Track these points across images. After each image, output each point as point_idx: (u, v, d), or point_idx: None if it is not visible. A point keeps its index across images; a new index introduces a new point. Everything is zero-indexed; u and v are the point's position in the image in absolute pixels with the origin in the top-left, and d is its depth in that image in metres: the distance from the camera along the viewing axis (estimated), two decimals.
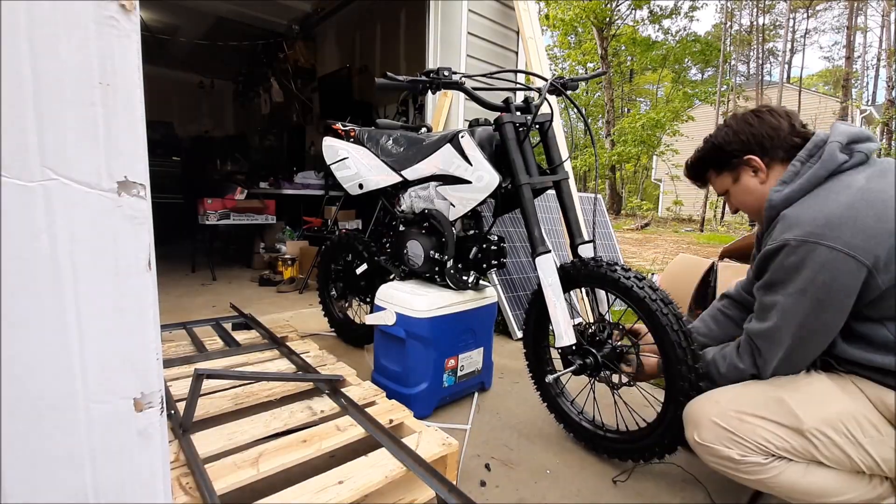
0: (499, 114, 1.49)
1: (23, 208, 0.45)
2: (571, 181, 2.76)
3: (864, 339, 0.92)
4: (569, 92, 1.54)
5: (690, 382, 1.13)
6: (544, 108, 1.52)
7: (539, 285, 1.48)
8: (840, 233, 0.84)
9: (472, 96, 1.48)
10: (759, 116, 1.05)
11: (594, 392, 1.47)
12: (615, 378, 1.34)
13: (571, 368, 1.36)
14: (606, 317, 1.43)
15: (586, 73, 18.84)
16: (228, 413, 1.29)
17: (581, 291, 1.52)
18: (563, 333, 1.35)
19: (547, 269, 1.37)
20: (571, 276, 1.40)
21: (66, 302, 0.49)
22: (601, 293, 1.45)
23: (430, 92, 1.45)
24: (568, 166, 2.77)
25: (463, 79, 1.47)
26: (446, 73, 1.44)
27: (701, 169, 1.18)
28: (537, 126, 1.53)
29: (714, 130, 1.14)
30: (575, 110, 1.59)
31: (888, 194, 0.86)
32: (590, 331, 1.39)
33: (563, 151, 1.61)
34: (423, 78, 1.42)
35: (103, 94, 0.48)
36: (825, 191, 0.92)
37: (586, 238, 1.49)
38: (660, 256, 6.55)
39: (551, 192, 1.61)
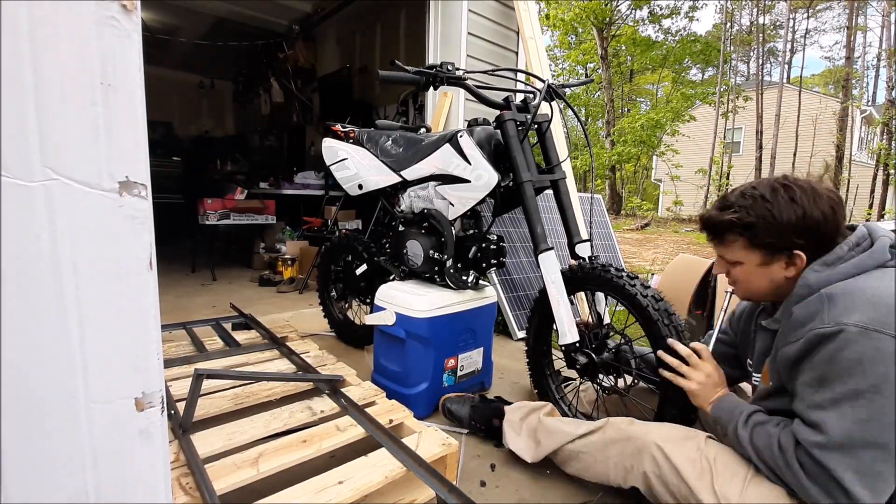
0: (499, 112, 1.49)
1: (23, 208, 0.45)
2: (571, 181, 2.77)
3: None
4: (566, 93, 1.54)
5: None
6: (543, 109, 1.53)
7: (539, 293, 1.49)
8: None
9: (473, 93, 1.48)
10: (834, 208, 0.89)
11: (599, 395, 1.47)
12: (619, 382, 1.35)
13: (577, 367, 1.36)
14: (605, 319, 1.44)
15: (586, 73, 18.83)
16: (228, 413, 1.29)
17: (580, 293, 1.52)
18: (567, 331, 1.35)
19: (550, 267, 1.37)
20: (572, 280, 1.40)
21: (67, 302, 0.49)
22: (599, 295, 1.46)
23: (432, 88, 1.45)
24: (568, 166, 2.77)
25: (466, 74, 1.48)
26: (450, 68, 1.44)
27: (730, 231, 0.97)
28: (536, 126, 1.53)
29: (772, 192, 0.92)
30: (572, 113, 1.59)
31: None
32: (592, 333, 1.39)
33: (562, 152, 1.61)
34: (428, 70, 1.42)
35: (104, 94, 0.48)
36: (874, 279, 0.83)
37: (583, 237, 1.49)
38: (660, 256, 6.56)
39: (549, 192, 1.61)
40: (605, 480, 1.10)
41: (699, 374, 1.07)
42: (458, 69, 1.47)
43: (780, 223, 0.89)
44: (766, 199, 0.91)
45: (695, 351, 1.10)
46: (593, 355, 1.35)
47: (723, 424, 1.00)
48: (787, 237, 0.90)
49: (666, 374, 1.12)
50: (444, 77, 1.43)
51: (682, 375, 1.09)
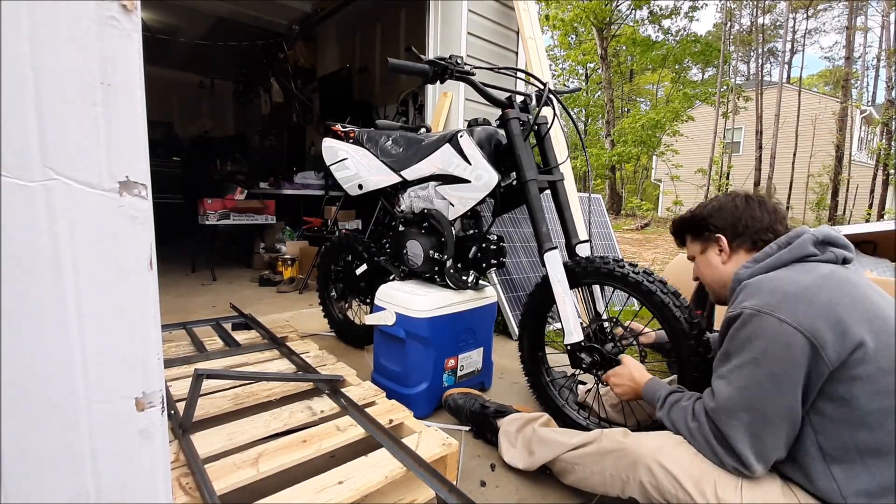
0: (502, 111, 1.49)
1: (24, 208, 0.45)
2: (571, 181, 2.76)
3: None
4: (562, 97, 1.55)
5: (698, 354, 1.19)
6: (543, 111, 1.53)
7: (540, 282, 1.49)
8: (794, 307, 0.85)
9: (479, 89, 1.48)
10: (748, 203, 1.10)
11: (598, 389, 1.47)
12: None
13: (582, 366, 1.37)
14: (603, 314, 1.44)
15: (586, 73, 18.78)
16: (228, 413, 1.29)
17: (578, 290, 1.52)
18: (573, 330, 1.35)
19: (555, 266, 1.37)
20: (572, 275, 1.40)
21: (68, 302, 0.49)
22: (598, 291, 1.47)
23: (439, 81, 1.44)
24: (567, 167, 2.77)
25: (474, 69, 1.47)
26: (458, 61, 1.44)
27: (681, 229, 1.23)
28: (536, 128, 1.54)
29: (712, 199, 1.19)
30: (567, 116, 1.59)
31: (847, 282, 0.89)
32: (596, 327, 1.40)
33: (560, 154, 1.61)
34: (441, 61, 1.41)
35: (104, 94, 0.48)
36: (788, 270, 0.95)
37: (581, 238, 1.49)
38: (659, 256, 6.56)
39: (547, 193, 1.61)
40: (603, 492, 1.10)
41: (616, 379, 1.26)
42: (465, 64, 1.46)
43: (702, 214, 1.15)
44: (703, 205, 1.18)
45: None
46: (600, 349, 1.35)
47: (651, 400, 1.16)
48: (707, 223, 1.13)
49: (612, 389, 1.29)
50: (454, 70, 1.43)
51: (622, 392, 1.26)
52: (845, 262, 0.96)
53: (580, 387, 1.54)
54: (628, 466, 1.03)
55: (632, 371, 1.23)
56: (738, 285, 1.01)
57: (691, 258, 1.21)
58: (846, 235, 1.00)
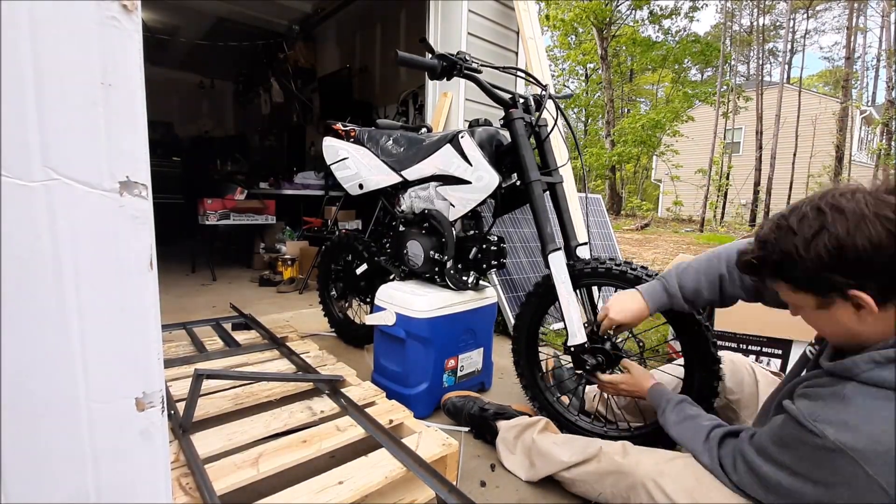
0: (505, 110, 1.48)
1: (24, 208, 0.45)
2: (572, 182, 2.76)
3: None
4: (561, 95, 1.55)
5: (712, 345, 1.19)
6: (544, 114, 1.53)
7: (539, 281, 1.49)
8: (889, 465, 0.66)
9: (484, 88, 1.48)
10: (887, 225, 0.66)
11: (603, 392, 1.47)
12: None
13: (585, 368, 1.36)
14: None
15: (586, 73, 18.75)
16: (228, 413, 1.29)
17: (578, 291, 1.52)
18: (577, 331, 1.35)
19: (559, 267, 1.37)
20: (579, 273, 1.41)
21: (68, 302, 0.49)
22: (596, 292, 1.47)
23: (446, 77, 1.44)
24: (567, 169, 2.77)
25: (481, 66, 1.47)
26: (466, 57, 1.43)
27: (763, 274, 0.82)
28: (537, 129, 1.54)
29: (800, 220, 0.73)
30: (564, 122, 1.58)
31: None
32: (589, 330, 1.40)
33: (559, 156, 1.61)
34: (451, 56, 1.40)
35: (105, 94, 0.48)
36: None
37: (580, 241, 1.49)
38: (660, 257, 6.56)
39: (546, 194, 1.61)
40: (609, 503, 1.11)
41: (622, 377, 1.27)
42: (473, 61, 1.46)
43: (810, 258, 0.70)
44: (794, 232, 0.73)
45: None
46: (604, 349, 1.35)
47: (655, 403, 1.15)
48: (824, 275, 0.71)
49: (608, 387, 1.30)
50: (463, 66, 1.42)
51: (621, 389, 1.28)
52: None
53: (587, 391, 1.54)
54: (628, 487, 1.03)
55: (636, 370, 1.25)
56: (850, 373, 0.73)
57: (796, 311, 0.84)
58: None
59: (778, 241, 0.75)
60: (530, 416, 1.43)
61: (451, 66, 1.40)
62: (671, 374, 1.37)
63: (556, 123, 1.55)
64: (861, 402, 0.70)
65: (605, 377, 1.30)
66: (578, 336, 1.35)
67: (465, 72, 1.43)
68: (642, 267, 1.32)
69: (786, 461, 0.78)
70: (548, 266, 1.38)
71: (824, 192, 0.74)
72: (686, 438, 1.02)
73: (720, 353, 1.25)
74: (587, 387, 1.59)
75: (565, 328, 1.36)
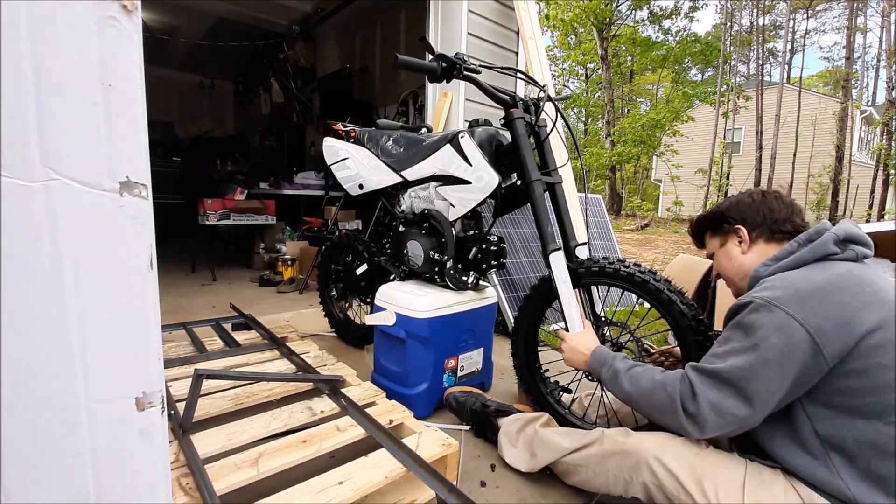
0: (505, 110, 1.48)
1: (24, 208, 0.45)
2: (572, 183, 2.76)
3: (791, 438, 0.93)
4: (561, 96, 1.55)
5: (705, 350, 1.16)
6: (543, 115, 1.53)
7: (539, 281, 1.49)
8: (803, 304, 0.87)
9: (484, 89, 1.48)
10: (764, 196, 1.12)
11: (604, 392, 1.47)
12: None
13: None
14: (601, 315, 1.44)
15: (586, 73, 18.74)
16: (228, 413, 1.29)
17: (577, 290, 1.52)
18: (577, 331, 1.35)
19: (560, 267, 1.37)
20: (580, 274, 1.40)
21: (68, 302, 0.49)
22: (595, 293, 1.47)
23: (446, 79, 1.44)
24: (567, 169, 2.77)
25: (480, 67, 1.47)
26: (466, 59, 1.43)
27: (700, 229, 1.24)
28: (537, 129, 1.53)
29: (726, 197, 1.23)
30: (563, 122, 1.58)
31: (862, 282, 0.89)
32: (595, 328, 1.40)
33: (559, 156, 1.61)
34: (451, 57, 1.40)
35: (105, 94, 0.48)
36: (806, 269, 0.96)
37: (580, 241, 1.49)
38: (660, 257, 6.55)
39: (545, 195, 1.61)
40: (607, 492, 1.11)
41: (564, 348, 1.32)
42: (472, 63, 1.46)
43: (720, 210, 1.17)
44: (718, 203, 1.19)
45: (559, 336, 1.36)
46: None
47: (596, 371, 1.20)
48: (725, 217, 1.14)
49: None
50: (462, 68, 1.42)
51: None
52: (865, 258, 0.97)
53: (565, 395, 1.53)
54: (631, 467, 1.04)
55: (583, 336, 1.29)
56: (756, 282, 1.02)
57: (710, 255, 1.22)
58: None
59: (711, 208, 1.22)
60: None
61: (451, 68, 1.40)
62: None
63: (555, 124, 1.55)
64: (768, 280, 0.97)
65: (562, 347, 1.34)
66: None
67: (465, 73, 1.43)
68: (635, 264, 1.32)
69: (730, 347, 0.94)
70: (548, 266, 1.38)
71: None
72: (638, 380, 1.07)
73: None
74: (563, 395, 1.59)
75: (566, 327, 1.36)
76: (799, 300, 0.88)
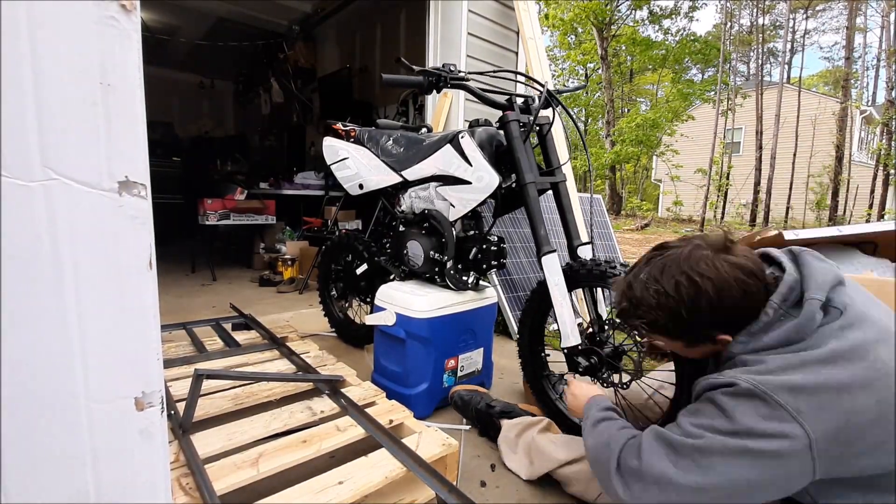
0: (502, 112, 1.49)
1: (23, 208, 0.45)
2: (571, 182, 2.76)
3: None
4: (562, 97, 1.54)
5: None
6: (542, 112, 1.53)
7: (539, 283, 1.49)
8: (797, 398, 0.73)
9: (477, 95, 1.48)
10: (745, 289, 0.83)
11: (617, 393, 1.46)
12: (617, 378, 1.35)
13: (579, 370, 1.36)
14: (604, 316, 1.44)
15: (586, 73, 18.77)
16: (228, 413, 1.29)
17: (581, 292, 1.52)
18: (570, 333, 1.35)
19: (553, 269, 1.37)
20: (572, 276, 1.40)
21: (67, 301, 0.49)
22: (599, 293, 1.46)
23: (435, 90, 1.44)
24: (568, 168, 2.77)
25: (469, 76, 1.47)
26: (452, 69, 1.44)
27: (642, 330, 0.96)
28: (537, 128, 1.53)
29: (675, 285, 0.85)
30: (568, 117, 1.58)
31: (855, 373, 0.74)
32: (590, 331, 1.40)
33: (562, 155, 1.61)
34: (434, 71, 1.41)
35: (104, 94, 0.48)
36: (790, 363, 0.78)
37: (584, 240, 1.49)
38: None
39: (549, 193, 1.61)
40: (605, 502, 1.10)
41: (568, 394, 1.21)
42: (460, 71, 1.47)
43: (691, 322, 0.86)
44: (671, 296, 0.86)
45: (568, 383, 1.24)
46: (599, 351, 1.35)
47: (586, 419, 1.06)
48: (701, 331, 0.88)
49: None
50: (449, 79, 1.43)
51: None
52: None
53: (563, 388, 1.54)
54: None
55: (584, 387, 1.18)
56: (728, 360, 0.87)
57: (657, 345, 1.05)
58: (846, 235, 0.94)
59: (657, 307, 0.88)
60: (535, 415, 1.43)
61: (437, 80, 1.41)
62: (662, 381, 1.36)
63: (554, 120, 1.55)
64: (752, 357, 0.82)
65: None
66: (572, 338, 1.35)
67: (452, 82, 1.43)
68: (623, 265, 1.32)
69: (703, 422, 0.80)
70: (542, 268, 1.38)
71: (688, 258, 0.86)
72: (601, 432, 0.95)
73: None
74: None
75: (558, 330, 1.37)
76: (794, 391, 0.74)
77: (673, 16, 17.98)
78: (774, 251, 0.93)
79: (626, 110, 19.56)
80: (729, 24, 17.13)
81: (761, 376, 0.77)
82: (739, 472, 0.75)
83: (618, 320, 1.39)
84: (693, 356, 0.99)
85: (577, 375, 1.35)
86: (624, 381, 1.34)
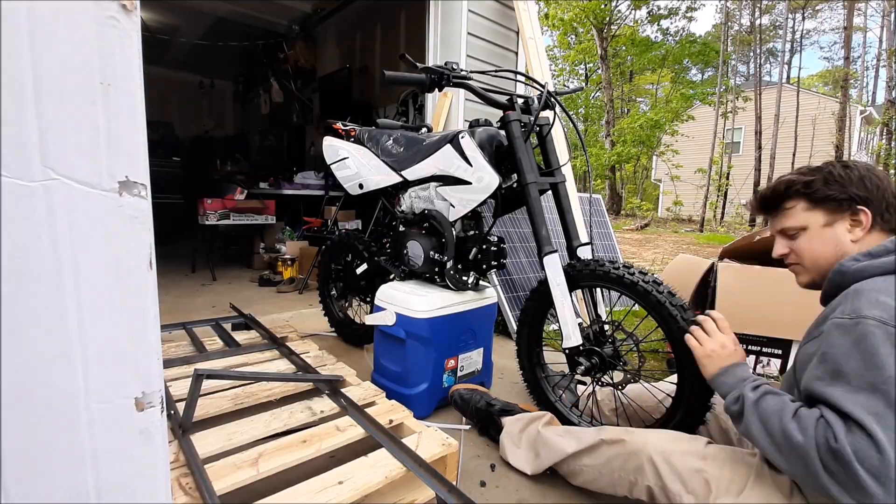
0: (503, 112, 1.49)
1: (23, 208, 0.45)
2: (571, 182, 2.76)
3: None
4: (562, 98, 1.55)
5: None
6: (543, 113, 1.53)
7: (539, 283, 1.49)
8: None
9: (478, 94, 1.48)
10: (888, 178, 0.92)
11: (595, 393, 1.46)
12: (618, 377, 1.35)
13: (579, 371, 1.36)
14: (604, 317, 1.44)
15: (586, 73, 18.77)
16: (228, 413, 1.29)
17: (581, 292, 1.52)
18: (571, 334, 1.35)
19: (554, 269, 1.37)
20: (573, 276, 1.40)
21: (67, 302, 0.49)
22: (598, 294, 1.46)
23: (437, 89, 1.44)
24: (568, 168, 2.77)
25: (471, 74, 1.47)
26: (454, 67, 1.43)
27: (791, 193, 0.97)
28: (537, 129, 1.53)
29: (825, 164, 0.96)
30: (567, 118, 1.58)
31: None
32: (596, 329, 1.40)
33: (562, 156, 1.61)
34: (437, 69, 1.41)
35: (104, 94, 0.48)
36: None
37: (583, 240, 1.49)
38: (660, 257, 6.55)
39: (549, 193, 1.61)
40: (612, 493, 1.10)
41: (712, 343, 1.02)
42: (462, 70, 1.46)
43: (840, 178, 0.91)
44: (821, 167, 0.95)
45: (715, 320, 1.05)
46: (599, 351, 1.35)
47: (724, 392, 0.95)
48: (849, 189, 0.90)
49: (688, 338, 1.06)
50: (451, 77, 1.43)
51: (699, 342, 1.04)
52: None
53: (579, 388, 1.54)
54: (635, 470, 1.03)
55: (733, 344, 1.02)
56: (841, 279, 0.87)
57: (793, 232, 0.97)
58: None
59: (811, 171, 0.95)
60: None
61: (440, 78, 1.41)
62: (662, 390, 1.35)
63: (553, 121, 1.55)
64: (868, 287, 0.80)
65: (699, 332, 1.05)
66: (573, 338, 1.35)
67: (455, 81, 1.43)
68: (641, 272, 1.29)
69: (850, 370, 0.75)
70: (543, 268, 1.38)
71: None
72: (770, 415, 0.84)
73: None
74: (578, 387, 1.59)
75: (559, 330, 1.37)
76: None
77: (671, 16, 17.99)
78: None
79: (626, 111, 19.56)
80: (728, 24, 17.13)
81: (882, 311, 0.75)
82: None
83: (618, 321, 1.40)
84: (825, 252, 0.94)
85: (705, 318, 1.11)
86: (624, 381, 1.34)
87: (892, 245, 0.85)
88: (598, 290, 1.49)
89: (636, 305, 1.31)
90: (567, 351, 1.37)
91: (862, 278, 0.84)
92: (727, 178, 14.79)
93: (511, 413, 1.42)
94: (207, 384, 1.31)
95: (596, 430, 1.16)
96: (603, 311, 1.47)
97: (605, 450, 1.09)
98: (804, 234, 0.96)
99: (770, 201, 1.01)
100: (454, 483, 1.00)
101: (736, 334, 1.06)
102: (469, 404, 1.51)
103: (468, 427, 1.53)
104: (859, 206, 0.90)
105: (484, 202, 1.57)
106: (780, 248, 1.01)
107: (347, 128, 2.04)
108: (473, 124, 1.63)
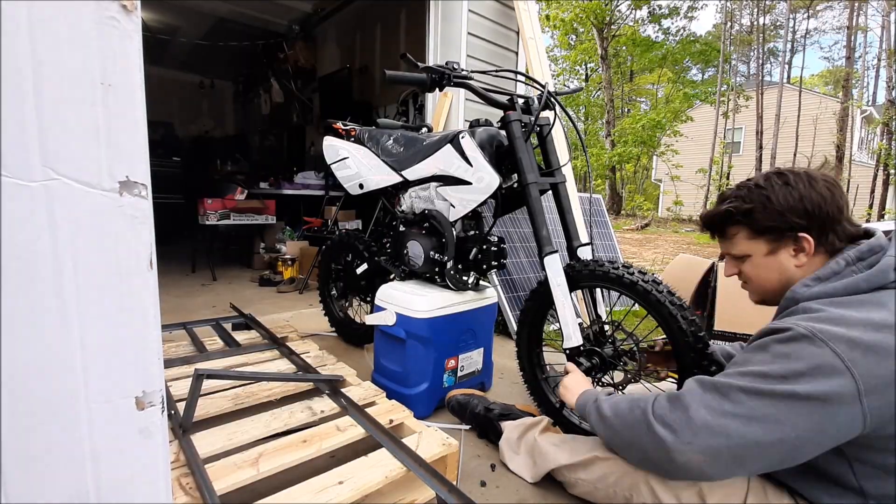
0: (503, 112, 1.49)
1: (23, 208, 0.45)
2: (572, 182, 2.76)
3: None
4: (562, 98, 1.54)
5: (696, 352, 1.15)
6: (543, 113, 1.53)
7: (539, 283, 1.49)
8: (853, 348, 0.72)
9: (479, 94, 1.48)
10: (831, 190, 0.86)
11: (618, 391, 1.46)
12: (618, 377, 1.35)
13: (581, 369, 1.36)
14: (604, 317, 1.44)
15: (586, 73, 18.77)
16: (228, 413, 1.29)
17: (581, 292, 1.52)
18: (572, 334, 1.35)
19: (555, 269, 1.37)
20: (573, 276, 1.40)
21: (68, 301, 0.49)
22: (598, 294, 1.46)
23: (437, 88, 1.44)
24: (568, 168, 2.77)
25: (472, 74, 1.47)
26: (455, 67, 1.43)
27: (729, 223, 0.97)
28: (537, 129, 1.53)
29: (765, 179, 0.92)
30: (567, 118, 1.58)
31: None
32: (596, 329, 1.40)
33: (562, 156, 1.61)
34: (438, 69, 1.41)
35: (104, 94, 0.48)
36: (858, 302, 0.78)
37: (583, 241, 1.49)
38: (660, 257, 6.55)
39: (549, 193, 1.61)
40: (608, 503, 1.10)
41: (567, 378, 1.22)
42: (462, 69, 1.46)
43: (778, 204, 0.88)
44: (761, 186, 0.91)
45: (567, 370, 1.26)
46: (599, 351, 1.35)
47: (582, 410, 1.09)
48: (788, 218, 0.87)
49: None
50: (452, 77, 1.43)
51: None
52: None
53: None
54: (631, 486, 1.02)
55: (581, 376, 1.22)
56: (791, 304, 0.86)
57: (739, 257, 0.98)
58: None
59: (750, 193, 0.92)
60: (534, 416, 1.43)
61: (441, 77, 1.41)
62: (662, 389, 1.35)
63: (554, 121, 1.55)
64: (814, 304, 0.82)
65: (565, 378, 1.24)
66: (574, 339, 1.35)
67: (455, 80, 1.43)
68: (640, 272, 1.30)
69: (750, 369, 0.80)
70: (544, 269, 1.38)
71: (775, 169, 0.93)
72: (617, 403, 0.97)
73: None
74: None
75: (560, 330, 1.36)
76: (850, 343, 0.73)
77: (672, 16, 17.99)
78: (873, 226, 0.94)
79: (626, 110, 19.56)
80: (729, 23, 17.12)
81: (820, 324, 0.75)
82: (788, 416, 0.74)
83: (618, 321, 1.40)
84: (770, 279, 0.94)
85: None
86: (624, 381, 1.34)
87: (837, 266, 0.84)
88: (598, 290, 1.49)
89: (636, 305, 1.31)
90: (567, 351, 1.37)
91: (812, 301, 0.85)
92: (728, 178, 14.78)
93: (509, 416, 1.42)
94: (208, 384, 1.31)
95: (591, 443, 1.15)
96: (603, 311, 1.47)
97: (600, 465, 1.08)
98: (749, 261, 0.97)
99: (712, 226, 1.02)
100: (454, 483, 1.00)
101: (736, 334, 1.08)
102: (467, 409, 1.51)
103: (468, 427, 1.53)
104: (801, 234, 0.87)
105: (484, 202, 1.57)
106: (729, 268, 1.03)
107: (348, 128, 2.04)
108: (474, 124, 1.63)
